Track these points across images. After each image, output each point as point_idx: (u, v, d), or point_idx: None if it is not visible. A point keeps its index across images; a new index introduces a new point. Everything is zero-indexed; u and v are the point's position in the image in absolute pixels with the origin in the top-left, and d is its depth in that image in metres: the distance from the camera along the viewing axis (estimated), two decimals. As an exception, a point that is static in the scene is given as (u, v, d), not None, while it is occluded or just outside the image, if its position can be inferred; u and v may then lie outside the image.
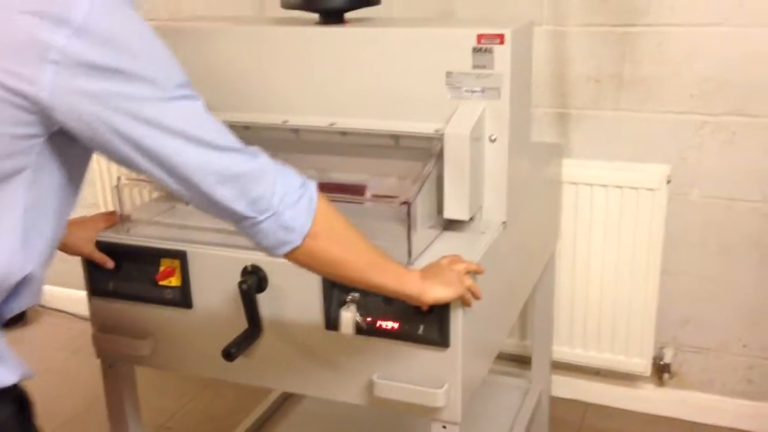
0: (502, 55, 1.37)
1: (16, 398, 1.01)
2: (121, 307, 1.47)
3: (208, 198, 0.98)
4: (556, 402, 2.31)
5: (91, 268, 1.46)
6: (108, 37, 0.88)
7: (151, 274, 1.42)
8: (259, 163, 1.00)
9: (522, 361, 2.29)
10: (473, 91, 1.40)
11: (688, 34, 1.94)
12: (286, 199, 1.01)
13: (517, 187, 1.52)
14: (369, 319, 1.30)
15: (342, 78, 1.48)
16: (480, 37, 1.37)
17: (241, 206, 0.99)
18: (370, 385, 1.33)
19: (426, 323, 1.27)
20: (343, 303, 1.29)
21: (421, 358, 1.30)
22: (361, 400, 1.37)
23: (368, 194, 1.55)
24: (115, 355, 1.52)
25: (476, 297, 1.24)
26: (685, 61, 1.96)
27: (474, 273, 1.28)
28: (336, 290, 1.30)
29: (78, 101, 0.88)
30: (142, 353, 1.47)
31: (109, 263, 1.45)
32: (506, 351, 2.31)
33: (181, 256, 1.40)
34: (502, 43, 1.36)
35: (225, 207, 0.99)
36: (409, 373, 1.31)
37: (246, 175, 0.98)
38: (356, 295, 1.28)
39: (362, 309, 1.28)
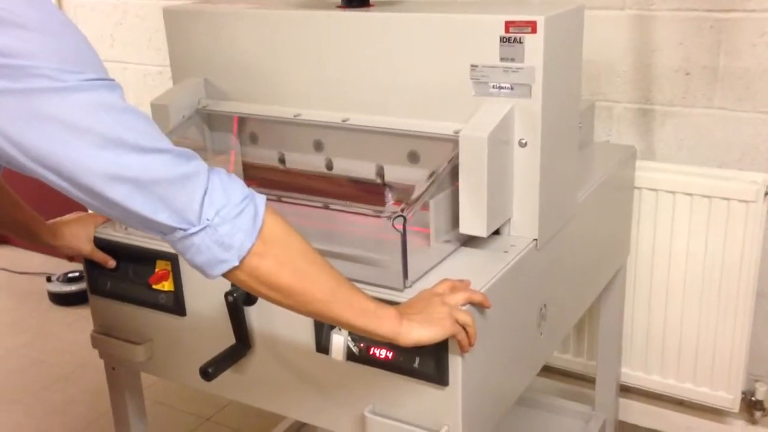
0: (533, 46, 1.16)
1: None
2: (119, 308, 1.39)
3: (123, 208, 0.84)
4: (630, 429, 2.08)
5: (90, 265, 1.39)
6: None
7: (146, 277, 1.33)
8: (187, 167, 0.86)
9: (589, 380, 2.06)
10: (501, 88, 1.20)
11: (797, 21, 1.64)
12: (224, 212, 0.87)
13: (556, 198, 1.31)
14: (362, 345, 1.14)
15: (361, 68, 1.31)
16: (508, 24, 1.16)
17: (163, 216, 0.85)
18: (363, 418, 1.18)
19: (422, 356, 1.10)
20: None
21: (417, 393, 1.13)
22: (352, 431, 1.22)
23: (390, 197, 1.40)
24: (114, 359, 1.44)
25: (470, 341, 1.05)
26: (793, 53, 1.67)
27: (478, 306, 1.09)
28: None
29: None
30: (137, 359, 1.38)
31: (111, 262, 1.37)
32: (571, 369, 2.09)
33: (173, 259, 1.29)
34: (534, 32, 1.15)
35: (145, 218, 0.85)
36: (405, 409, 1.15)
37: (166, 180, 0.84)
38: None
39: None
